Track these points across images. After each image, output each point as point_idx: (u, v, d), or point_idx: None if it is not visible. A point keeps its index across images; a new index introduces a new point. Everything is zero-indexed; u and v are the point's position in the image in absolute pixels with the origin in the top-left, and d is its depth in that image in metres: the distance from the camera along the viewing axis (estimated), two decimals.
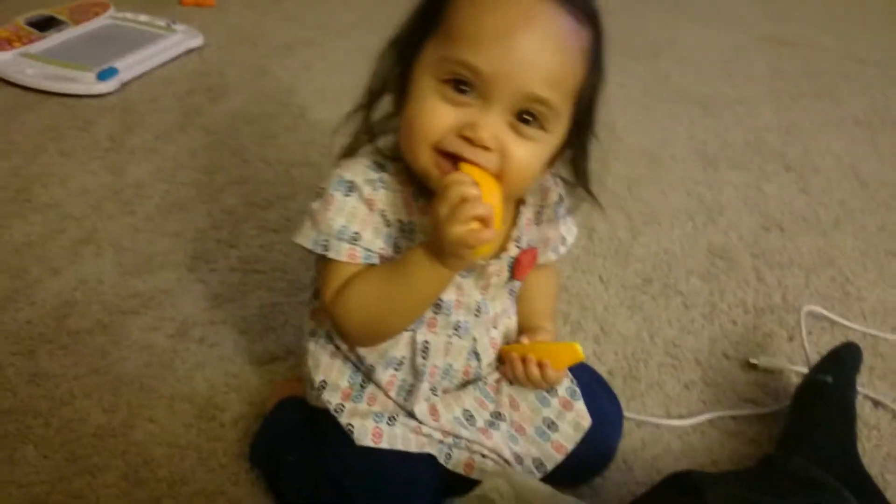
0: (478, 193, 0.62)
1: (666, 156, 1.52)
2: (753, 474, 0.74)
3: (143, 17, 1.82)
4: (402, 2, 0.69)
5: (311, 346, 0.79)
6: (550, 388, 0.79)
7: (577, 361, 0.74)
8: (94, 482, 0.81)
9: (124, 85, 1.60)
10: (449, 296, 0.73)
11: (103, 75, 1.56)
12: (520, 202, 0.76)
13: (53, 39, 1.69)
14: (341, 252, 0.69)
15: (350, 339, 0.74)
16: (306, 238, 0.70)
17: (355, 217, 0.69)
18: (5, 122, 1.46)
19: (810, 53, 2.08)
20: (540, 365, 0.75)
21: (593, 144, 0.73)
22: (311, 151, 1.41)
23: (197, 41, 1.78)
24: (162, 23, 1.80)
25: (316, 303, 0.79)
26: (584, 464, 0.82)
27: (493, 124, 0.63)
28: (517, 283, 0.79)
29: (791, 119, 1.71)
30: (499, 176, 0.65)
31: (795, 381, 0.99)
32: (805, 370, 0.98)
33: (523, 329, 0.82)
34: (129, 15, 1.83)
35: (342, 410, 0.76)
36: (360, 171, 0.70)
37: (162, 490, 0.81)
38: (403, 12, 0.70)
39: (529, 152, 0.65)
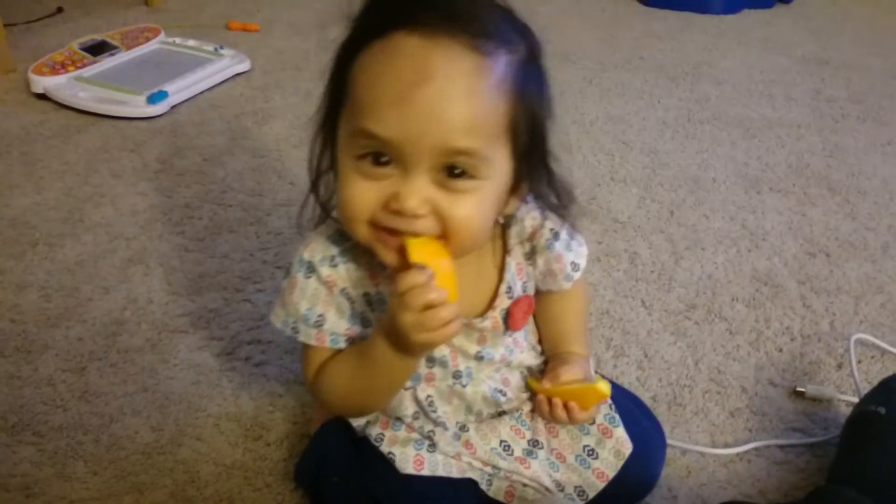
0: (424, 279, 0.59)
1: (707, 179, 1.51)
2: None
3: (191, 42, 1.87)
4: None
5: None
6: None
7: (603, 400, 0.74)
8: (143, 499, 0.83)
9: (173, 108, 1.64)
10: (442, 351, 0.73)
11: (153, 99, 1.61)
12: (504, 252, 0.74)
13: (105, 64, 1.75)
14: (310, 336, 0.71)
15: (336, 414, 0.78)
16: (277, 319, 0.72)
17: (318, 299, 0.69)
18: (60, 143, 1.51)
19: (854, 75, 2.05)
20: (566, 407, 0.74)
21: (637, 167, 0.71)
22: None
23: (244, 66, 1.82)
24: (210, 48, 1.85)
25: None
26: (627, 491, 0.81)
27: (418, 190, 0.59)
28: (518, 333, 0.78)
29: (835, 142, 1.68)
30: (444, 237, 0.62)
31: (844, 410, 0.97)
32: (854, 399, 0.96)
33: (550, 356, 0.81)
34: (178, 40, 1.88)
35: (382, 439, 0.76)
36: (319, 248, 0.69)
37: None
38: None
39: (468, 206, 0.61)
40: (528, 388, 0.79)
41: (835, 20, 2.49)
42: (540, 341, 0.83)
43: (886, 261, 1.28)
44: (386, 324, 0.65)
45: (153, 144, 1.52)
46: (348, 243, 0.69)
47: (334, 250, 0.69)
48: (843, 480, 0.77)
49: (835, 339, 1.09)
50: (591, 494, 0.78)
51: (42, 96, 1.65)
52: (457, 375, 0.75)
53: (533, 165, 0.66)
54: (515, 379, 0.79)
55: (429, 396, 0.75)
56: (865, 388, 0.97)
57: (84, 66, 1.71)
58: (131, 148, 1.50)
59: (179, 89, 1.67)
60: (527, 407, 0.80)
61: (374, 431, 0.77)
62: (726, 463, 0.90)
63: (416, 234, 0.61)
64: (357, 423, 0.79)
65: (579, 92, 1.81)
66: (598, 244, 1.27)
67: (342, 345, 0.70)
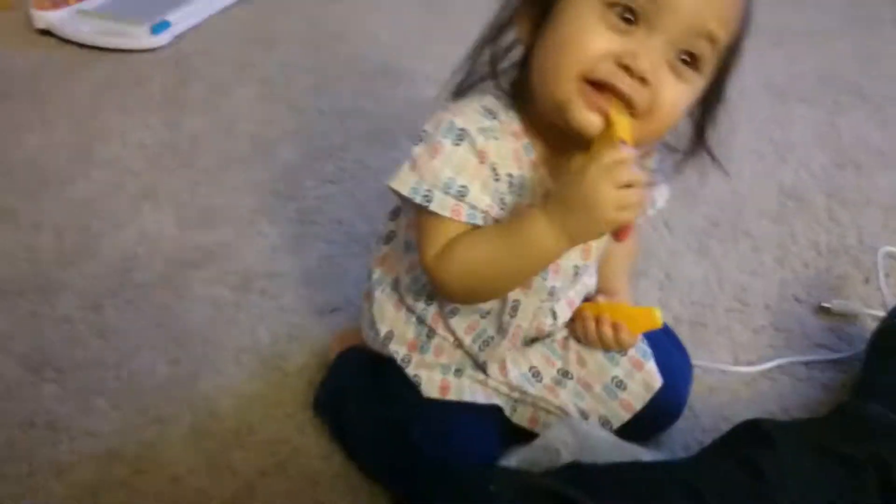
0: (633, 155, 0.57)
1: (733, 90, 1.44)
2: (827, 421, 0.71)
3: None
4: None
5: (378, 294, 0.77)
6: (621, 350, 0.77)
7: (655, 328, 0.71)
8: (164, 432, 0.83)
9: (177, 37, 1.60)
10: None
11: (156, 29, 1.57)
12: None
13: None
14: (445, 206, 0.62)
15: (450, 299, 0.71)
16: (405, 185, 0.63)
17: (464, 169, 0.63)
18: (65, 80, 1.48)
19: None
20: (615, 327, 0.72)
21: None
22: (363, 100, 1.39)
23: None
24: None
25: (384, 249, 0.77)
26: (653, 421, 0.80)
27: (655, 57, 0.58)
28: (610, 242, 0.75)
29: (868, 47, 1.61)
30: (641, 116, 0.59)
31: (871, 325, 0.94)
32: (882, 314, 0.93)
33: (600, 289, 0.79)
34: None
35: (409, 361, 0.75)
36: (472, 117, 0.64)
37: (229, 440, 0.83)
38: None
39: (681, 95, 0.60)
40: (573, 317, 0.76)
41: None
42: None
43: None
44: (558, 197, 0.60)
45: (158, 76, 1.48)
46: (497, 121, 0.65)
47: (487, 123, 0.64)
48: (868, 395, 0.76)
49: (862, 253, 1.06)
50: (616, 424, 0.76)
51: (45, 32, 1.62)
52: (552, 292, 0.71)
53: (717, 89, 0.66)
54: (574, 304, 0.76)
55: (517, 301, 0.71)
56: (892, 302, 0.94)
57: None
58: (137, 81, 1.47)
59: (182, 18, 1.63)
60: (560, 334, 0.78)
61: (400, 351, 0.76)
62: (749, 381, 0.89)
63: (628, 103, 0.58)
64: (379, 329, 0.76)
65: None
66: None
67: (478, 221, 0.63)
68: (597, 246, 0.72)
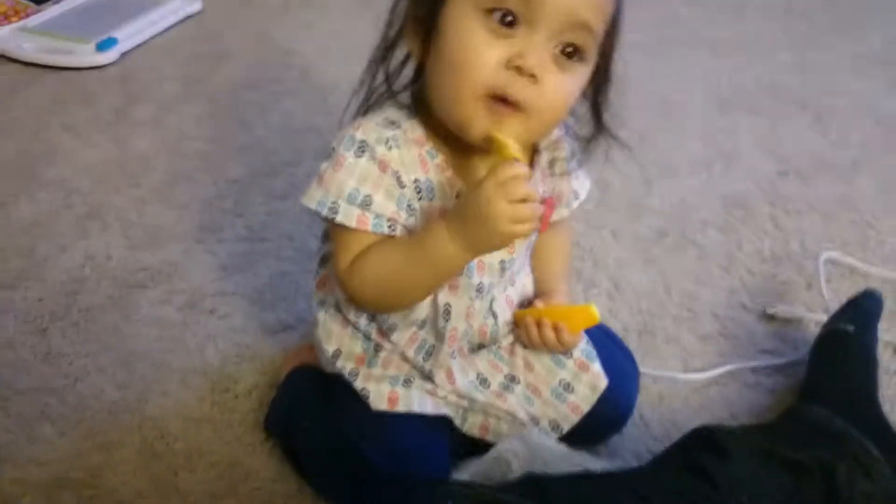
0: (526, 172, 0.60)
1: (678, 101, 1.48)
2: (776, 427, 0.73)
3: None
4: None
5: (321, 316, 0.77)
6: (566, 351, 0.78)
7: (594, 324, 0.72)
8: (112, 458, 0.82)
9: (124, 55, 1.58)
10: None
11: (102, 46, 1.54)
12: (534, 151, 0.73)
13: (51, 12, 1.67)
14: (351, 217, 0.66)
15: (363, 308, 0.73)
16: (312, 199, 0.67)
17: (367, 179, 0.66)
18: (7, 98, 1.45)
19: None
20: (555, 328, 0.73)
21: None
22: (314, 115, 1.39)
23: (195, 6, 1.75)
24: None
25: (322, 271, 0.78)
26: (602, 423, 0.81)
27: (540, 52, 0.60)
28: (534, 236, 0.77)
29: (807, 58, 1.65)
30: (536, 111, 0.62)
31: (815, 330, 0.97)
32: (824, 318, 0.96)
33: (538, 292, 0.80)
34: None
35: (357, 375, 0.75)
36: (372, 129, 0.67)
37: (178, 462, 0.81)
38: None
39: (568, 85, 0.63)
40: (513, 321, 0.77)
41: None
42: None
43: (856, 178, 1.27)
44: (457, 211, 0.63)
45: (105, 94, 1.46)
46: (399, 130, 0.67)
47: (388, 133, 0.66)
48: (812, 399, 0.78)
49: (805, 259, 1.09)
50: (566, 428, 0.78)
51: None
52: (479, 288, 0.72)
53: (604, 70, 0.68)
54: (513, 306, 0.77)
55: (448, 304, 0.72)
56: (835, 307, 0.97)
57: (28, 15, 1.63)
58: (83, 99, 1.45)
59: (129, 35, 1.60)
60: (506, 341, 0.79)
61: (347, 366, 0.75)
62: (698, 388, 0.91)
63: (520, 105, 0.61)
64: (327, 349, 0.77)
65: None
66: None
67: (384, 230, 0.66)
68: (522, 239, 0.73)
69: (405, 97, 0.69)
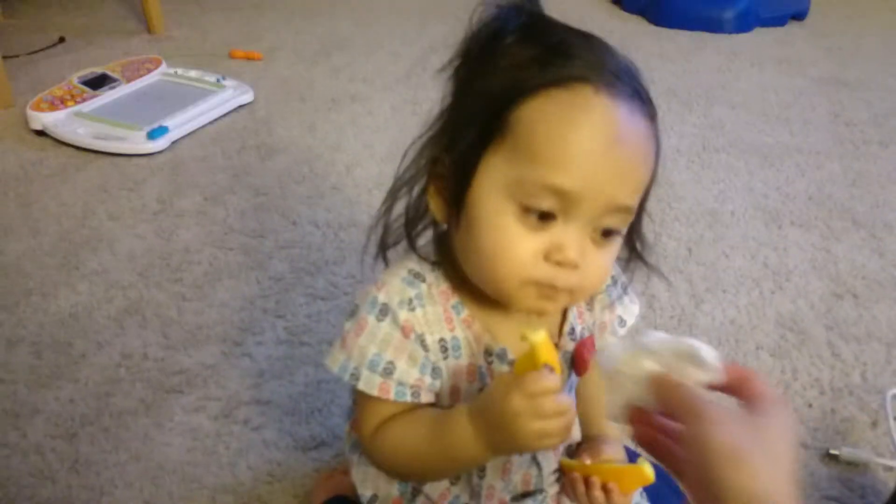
0: (558, 383, 0.55)
1: (726, 212, 1.45)
2: None
3: (193, 73, 1.83)
4: (448, 54, 0.64)
5: (356, 458, 0.74)
6: None
7: (646, 484, 0.68)
8: None
9: (174, 143, 1.60)
10: None
11: (154, 134, 1.57)
12: None
13: (106, 97, 1.71)
14: (373, 385, 0.63)
15: (387, 474, 0.70)
16: (336, 362, 0.64)
17: (388, 345, 0.63)
18: (57, 183, 1.47)
19: (874, 96, 1.99)
20: (605, 489, 0.68)
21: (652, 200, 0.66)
22: (357, 212, 1.38)
23: (247, 97, 1.78)
24: (212, 78, 1.81)
25: (353, 413, 0.75)
26: None
27: (577, 240, 0.57)
28: (575, 380, 0.73)
29: (857, 169, 1.62)
30: (577, 291, 0.59)
31: (882, 475, 0.91)
32: (893, 463, 0.90)
33: (585, 436, 0.75)
34: (179, 71, 1.84)
35: None
36: (396, 288, 0.64)
37: None
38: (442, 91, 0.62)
39: (608, 259, 0.60)
40: (560, 468, 0.73)
41: (851, 37, 2.43)
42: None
43: None
44: (482, 411, 0.58)
45: (153, 182, 1.47)
46: (424, 285, 0.64)
47: (412, 293, 0.63)
48: None
49: (867, 393, 1.03)
50: None
51: (41, 132, 1.62)
52: None
53: (640, 207, 0.64)
54: (558, 452, 0.72)
55: None
56: None
57: (84, 100, 1.68)
58: (130, 187, 1.46)
59: (180, 123, 1.63)
60: (552, 490, 0.74)
61: None
62: None
63: (567, 290, 0.58)
64: (364, 493, 0.73)
65: None
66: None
67: (407, 398, 0.63)
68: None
69: (426, 248, 0.66)
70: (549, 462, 0.72)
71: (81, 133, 1.58)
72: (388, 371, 0.63)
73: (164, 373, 1.03)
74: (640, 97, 0.58)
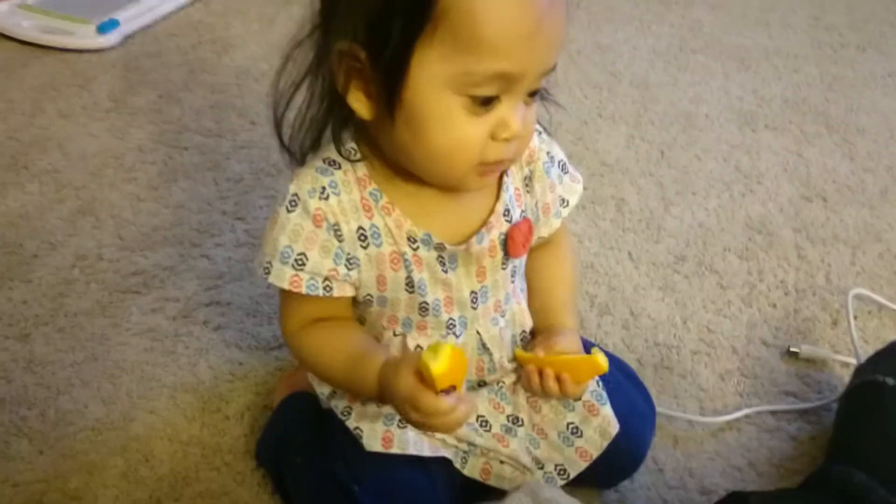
0: (451, 405, 0.57)
1: (700, 115, 1.42)
2: (811, 495, 0.68)
3: None
4: None
5: None
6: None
7: (600, 373, 0.67)
8: (92, 481, 0.77)
9: (126, 38, 1.52)
10: (436, 295, 0.66)
11: (104, 28, 1.48)
12: (503, 173, 0.67)
13: None
14: (283, 278, 0.62)
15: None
16: (256, 260, 0.65)
17: (299, 236, 0.62)
18: (3, 79, 1.40)
19: (855, 0, 1.94)
20: (559, 379, 0.68)
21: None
22: None
23: None
24: None
25: None
26: (613, 467, 0.76)
27: (518, 113, 0.58)
28: (518, 262, 0.71)
29: (833, 73, 1.59)
30: (515, 157, 0.61)
31: (840, 372, 0.92)
32: (851, 360, 0.91)
33: (540, 326, 0.74)
34: None
35: (349, 414, 0.70)
36: (307, 178, 0.62)
37: (163, 490, 0.77)
38: None
39: (534, 116, 0.61)
40: (514, 359, 0.72)
41: None
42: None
43: (885, 206, 1.21)
44: (387, 389, 0.61)
45: (104, 79, 1.40)
46: (339, 172, 0.62)
47: (325, 181, 0.62)
48: (846, 459, 0.72)
49: (831, 294, 1.04)
50: (573, 474, 0.73)
51: None
52: (450, 325, 0.68)
53: None
54: (507, 338, 0.72)
55: (418, 346, 0.68)
56: (862, 348, 0.92)
57: None
58: (81, 83, 1.39)
59: (132, 17, 1.54)
60: (508, 379, 0.73)
61: (340, 404, 0.71)
62: (715, 431, 0.86)
63: (511, 160, 0.61)
64: (321, 391, 0.73)
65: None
66: (584, 190, 1.18)
67: (319, 291, 0.63)
68: (492, 266, 0.68)
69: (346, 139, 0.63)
70: (501, 348, 0.71)
71: (26, 26, 1.49)
72: (300, 262, 0.62)
73: (120, 274, 1.00)
74: None
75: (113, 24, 1.49)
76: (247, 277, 1.01)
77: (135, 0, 1.57)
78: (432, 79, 0.54)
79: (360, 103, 0.58)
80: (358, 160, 0.62)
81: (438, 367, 0.54)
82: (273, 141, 1.21)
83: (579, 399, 0.72)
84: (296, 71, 0.62)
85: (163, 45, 1.52)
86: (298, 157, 0.65)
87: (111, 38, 1.48)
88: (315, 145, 0.64)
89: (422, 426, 0.60)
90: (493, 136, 0.57)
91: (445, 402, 0.57)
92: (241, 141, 1.25)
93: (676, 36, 1.70)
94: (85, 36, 1.47)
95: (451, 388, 0.56)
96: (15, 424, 0.82)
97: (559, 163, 0.71)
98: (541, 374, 0.68)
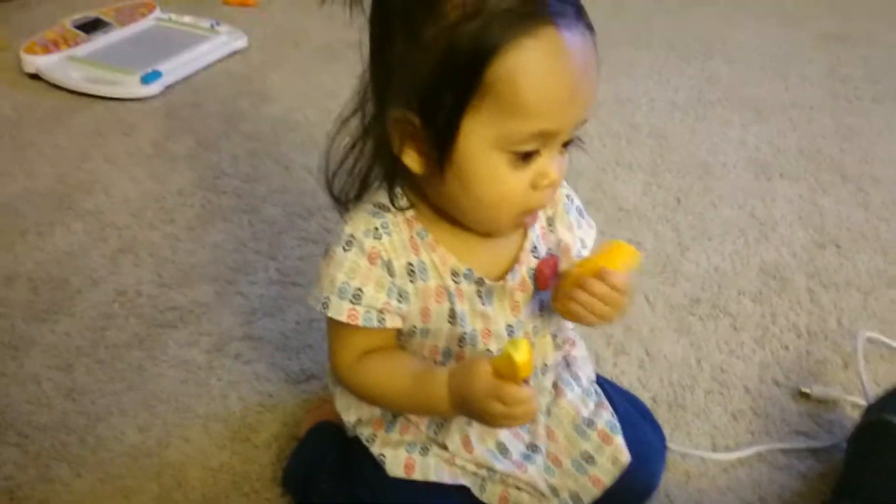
0: (532, 394, 0.62)
1: (717, 164, 1.47)
2: None
3: (187, 19, 1.83)
4: None
5: (338, 390, 0.77)
6: (590, 422, 0.76)
7: (635, 258, 0.67)
8: None
9: (168, 88, 1.60)
10: (474, 326, 0.70)
11: (147, 79, 1.57)
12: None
13: (99, 42, 1.71)
14: (341, 311, 0.67)
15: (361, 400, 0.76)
16: (312, 298, 0.69)
17: (356, 272, 0.67)
18: (52, 126, 1.48)
19: (871, 52, 1.98)
20: (601, 276, 0.67)
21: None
22: None
23: (241, 42, 1.78)
24: (206, 24, 1.80)
25: None
26: (625, 497, 0.79)
27: (555, 162, 0.63)
28: (545, 296, 0.74)
29: (849, 124, 1.63)
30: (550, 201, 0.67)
31: (851, 413, 0.94)
32: (861, 401, 0.93)
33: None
34: (173, 16, 1.84)
35: (374, 440, 0.74)
36: (361, 220, 0.67)
37: None
38: None
39: (566, 163, 0.65)
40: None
41: None
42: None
43: None
44: (459, 387, 0.65)
45: (147, 127, 1.48)
46: (389, 214, 0.68)
47: (377, 222, 0.67)
48: (852, 495, 0.74)
49: (842, 337, 1.06)
50: (587, 501, 0.75)
51: (34, 76, 1.62)
52: (487, 355, 0.70)
53: None
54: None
55: None
56: (872, 389, 0.94)
57: (77, 44, 1.67)
58: (125, 131, 1.47)
59: (174, 68, 1.63)
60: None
61: (365, 432, 0.75)
62: (727, 468, 0.88)
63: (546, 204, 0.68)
64: (348, 420, 0.77)
65: None
66: (602, 234, 1.22)
67: (374, 323, 0.67)
68: (523, 299, 0.72)
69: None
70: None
71: (75, 77, 1.58)
72: (357, 297, 0.67)
73: (158, 309, 1.06)
74: (580, 13, 0.61)
75: (156, 75, 1.58)
76: (278, 313, 1.05)
77: (177, 52, 1.66)
78: (480, 140, 0.60)
79: (413, 161, 0.63)
80: (407, 208, 0.68)
81: (521, 356, 0.59)
82: (305, 186, 1.28)
83: (595, 422, 0.76)
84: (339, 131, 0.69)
85: (202, 95, 1.60)
86: (344, 203, 0.70)
87: (154, 88, 1.57)
88: (360, 195, 0.70)
89: (503, 418, 0.63)
90: (533, 186, 0.63)
91: (528, 389, 0.62)
92: (276, 186, 1.32)
93: (695, 88, 1.75)
94: (129, 86, 1.56)
95: (527, 381, 0.62)
96: (55, 449, 0.87)
97: (577, 207, 0.76)
98: (582, 286, 0.67)
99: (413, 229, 0.68)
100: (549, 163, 0.62)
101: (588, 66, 0.60)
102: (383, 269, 0.67)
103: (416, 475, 0.72)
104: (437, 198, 0.66)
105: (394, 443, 0.74)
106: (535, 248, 0.72)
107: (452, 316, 0.69)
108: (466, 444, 0.74)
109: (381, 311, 0.68)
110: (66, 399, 0.92)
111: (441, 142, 0.61)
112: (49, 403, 0.92)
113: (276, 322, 1.04)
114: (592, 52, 0.61)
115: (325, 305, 0.67)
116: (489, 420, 0.64)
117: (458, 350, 0.72)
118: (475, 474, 0.75)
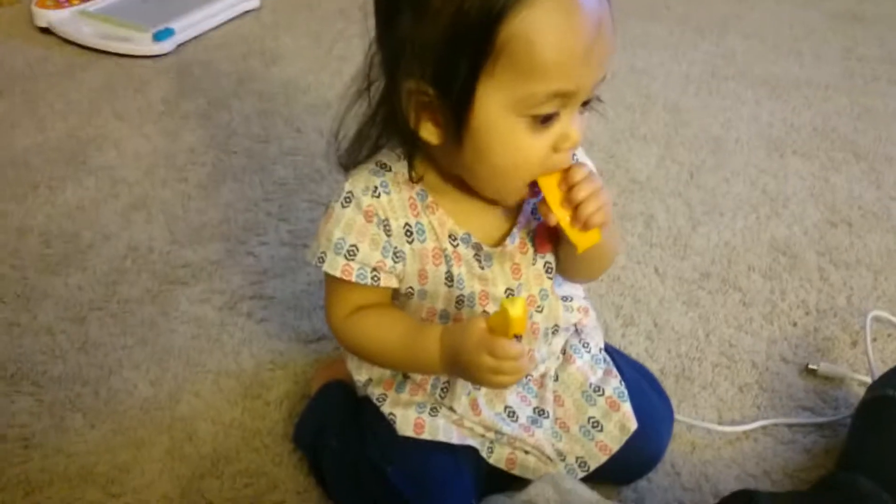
0: (523, 350, 0.63)
1: (730, 139, 1.46)
2: (817, 496, 0.71)
3: None
4: None
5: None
6: (598, 388, 0.77)
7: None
8: (140, 456, 0.82)
9: (180, 46, 1.59)
10: (472, 288, 0.70)
11: (160, 36, 1.56)
12: None
13: None
14: (336, 267, 0.67)
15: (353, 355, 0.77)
16: (309, 252, 0.70)
17: (351, 228, 0.67)
18: (63, 80, 1.47)
19: (888, 32, 1.96)
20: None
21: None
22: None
23: (254, 2, 1.76)
24: None
25: None
26: (631, 464, 0.80)
27: (575, 123, 0.62)
28: (551, 257, 0.74)
29: (864, 104, 1.62)
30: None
31: (857, 390, 0.95)
32: (867, 379, 0.94)
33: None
34: None
35: (385, 400, 0.75)
36: (361, 179, 0.68)
37: (205, 467, 0.82)
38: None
39: (585, 123, 0.64)
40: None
41: None
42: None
43: None
44: (450, 344, 0.65)
45: (158, 84, 1.48)
46: (390, 174, 0.68)
47: (377, 181, 0.67)
48: (854, 468, 0.75)
49: (851, 315, 1.06)
50: (593, 466, 0.77)
51: (45, 30, 1.61)
52: (484, 317, 0.71)
53: None
54: (539, 333, 0.75)
55: None
56: (879, 368, 0.94)
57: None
58: (136, 87, 1.46)
59: (186, 26, 1.62)
60: (536, 373, 0.78)
61: (376, 391, 0.76)
62: (732, 440, 0.89)
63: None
64: (359, 379, 0.77)
65: None
66: (614, 206, 1.22)
67: (368, 280, 0.68)
68: (525, 261, 0.72)
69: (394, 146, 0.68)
70: (530, 340, 0.74)
71: (87, 32, 1.57)
72: (352, 253, 0.67)
73: (170, 265, 1.06)
74: None
75: (168, 32, 1.57)
76: (289, 274, 1.06)
77: (189, 10, 1.65)
78: (497, 106, 0.59)
79: (430, 133, 0.63)
80: (420, 179, 0.67)
81: (516, 311, 0.59)
82: (317, 149, 1.28)
83: (603, 389, 0.77)
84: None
85: (214, 54, 1.59)
86: (350, 167, 0.70)
87: (166, 46, 1.56)
88: (368, 158, 0.69)
89: (491, 372, 0.63)
90: (555, 148, 0.62)
91: (519, 346, 0.62)
92: (287, 147, 1.31)
93: (710, 63, 1.73)
94: (141, 43, 1.55)
95: (519, 338, 0.62)
96: (70, 400, 0.88)
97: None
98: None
99: (413, 190, 0.68)
100: (570, 124, 0.62)
101: (603, 21, 0.59)
102: (379, 227, 0.67)
103: (426, 435, 0.73)
104: (452, 167, 0.66)
105: (404, 403, 0.74)
106: (535, 210, 0.71)
107: (449, 278, 0.69)
108: (474, 407, 0.75)
109: (375, 269, 0.68)
110: (80, 351, 0.93)
111: (457, 111, 0.60)
112: (63, 355, 0.92)
113: (287, 283, 1.05)
114: (606, 6, 0.60)
115: (321, 260, 0.68)
116: (477, 374, 0.64)
117: (455, 312, 0.72)
118: (483, 436, 0.76)
